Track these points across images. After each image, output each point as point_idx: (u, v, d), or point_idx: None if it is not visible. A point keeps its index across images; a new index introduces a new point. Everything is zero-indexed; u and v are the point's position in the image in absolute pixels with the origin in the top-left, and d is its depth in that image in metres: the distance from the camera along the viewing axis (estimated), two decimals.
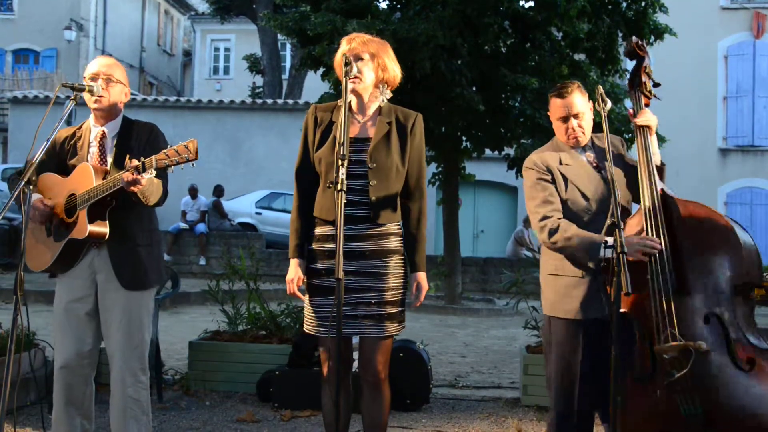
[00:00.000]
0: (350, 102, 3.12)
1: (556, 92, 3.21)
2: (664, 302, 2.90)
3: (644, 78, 3.32)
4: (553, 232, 3.05)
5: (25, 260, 3.30)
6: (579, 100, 3.18)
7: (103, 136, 3.28)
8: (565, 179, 3.15)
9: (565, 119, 3.18)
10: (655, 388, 2.90)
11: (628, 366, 2.96)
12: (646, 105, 3.31)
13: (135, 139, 3.26)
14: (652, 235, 2.98)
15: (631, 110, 3.28)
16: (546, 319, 3.26)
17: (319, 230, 3.10)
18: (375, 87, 3.13)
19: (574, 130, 3.18)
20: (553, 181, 3.16)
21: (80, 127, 3.35)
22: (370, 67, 3.09)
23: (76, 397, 3.24)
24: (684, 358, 2.82)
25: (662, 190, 3.09)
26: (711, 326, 2.90)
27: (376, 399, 3.11)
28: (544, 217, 3.09)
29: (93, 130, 3.30)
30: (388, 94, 3.19)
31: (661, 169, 3.22)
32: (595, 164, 3.20)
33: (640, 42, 3.39)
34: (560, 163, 3.17)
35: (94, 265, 3.21)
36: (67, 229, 3.16)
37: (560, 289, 3.15)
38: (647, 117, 3.23)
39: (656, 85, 3.36)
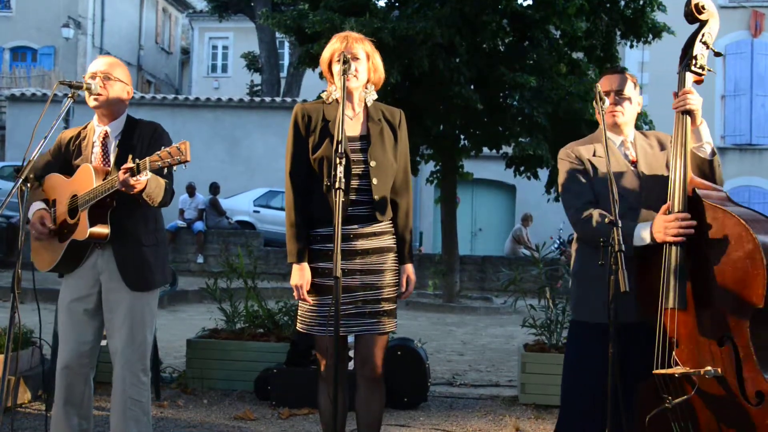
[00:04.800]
0: (337, 100, 3.11)
1: (607, 71, 3.13)
2: (672, 319, 2.69)
3: (697, 50, 2.87)
4: (585, 223, 2.95)
5: (31, 258, 3.31)
6: (625, 81, 3.05)
7: (106, 135, 3.27)
8: (595, 170, 3.02)
9: (607, 94, 3.03)
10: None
11: (649, 374, 2.84)
12: (698, 83, 2.92)
13: (138, 139, 3.25)
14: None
15: (674, 92, 2.90)
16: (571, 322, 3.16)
17: (321, 230, 3.09)
18: (363, 86, 3.14)
19: (612, 106, 3.01)
20: (587, 171, 3.04)
21: (85, 128, 3.34)
22: (365, 67, 3.10)
23: (75, 396, 3.24)
24: (690, 384, 2.65)
25: (693, 190, 2.77)
26: (724, 350, 2.63)
27: (373, 395, 3.11)
28: (578, 210, 2.99)
29: (96, 129, 3.29)
30: (374, 95, 3.19)
31: (711, 163, 2.88)
32: (633, 161, 3.05)
33: (701, 3, 2.85)
34: (593, 155, 3.04)
35: (98, 266, 3.21)
36: (70, 230, 3.16)
37: (583, 291, 3.06)
38: (686, 99, 2.84)
39: (717, 54, 2.91)
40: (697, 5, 2.85)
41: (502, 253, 16.33)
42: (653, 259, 2.84)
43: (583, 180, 3.04)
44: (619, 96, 3.05)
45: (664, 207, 2.81)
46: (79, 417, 3.26)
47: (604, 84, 3.08)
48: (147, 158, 2.87)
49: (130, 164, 2.89)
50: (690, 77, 2.89)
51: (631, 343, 2.85)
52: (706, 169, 2.91)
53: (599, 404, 2.90)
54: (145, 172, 2.87)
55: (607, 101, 2.98)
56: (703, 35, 2.88)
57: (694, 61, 2.88)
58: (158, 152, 2.86)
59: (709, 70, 2.91)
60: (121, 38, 27.59)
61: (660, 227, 2.75)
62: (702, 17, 2.87)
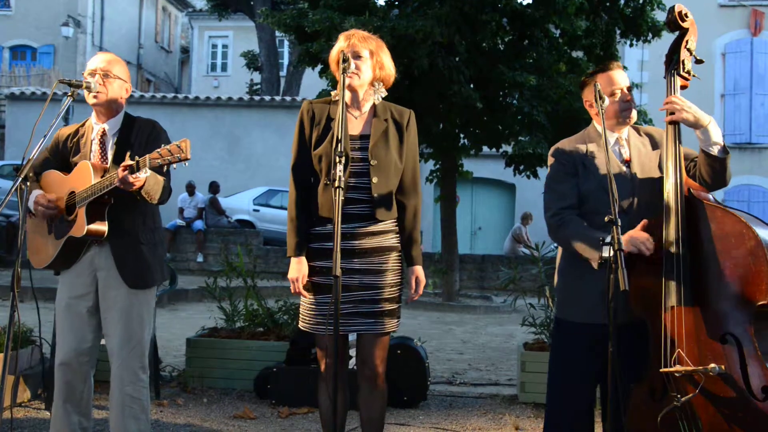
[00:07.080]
0: (345, 98, 3.11)
1: (600, 69, 3.06)
2: (675, 318, 2.70)
3: (683, 55, 2.93)
4: (558, 228, 2.95)
5: (28, 256, 3.31)
6: (626, 76, 3.04)
7: (104, 133, 3.26)
8: (585, 169, 2.98)
9: (615, 91, 3.00)
10: (662, 407, 2.73)
11: (642, 374, 2.85)
12: (684, 87, 2.96)
13: (136, 136, 3.25)
14: (668, 237, 2.74)
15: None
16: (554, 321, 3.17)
17: (319, 228, 3.09)
18: (370, 84, 3.13)
19: (628, 103, 2.97)
20: (576, 174, 3.00)
21: (83, 125, 3.34)
22: (369, 65, 3.09)
23: (75, 394, 3.24)
24: (692, 383, 2.66)
25: (689, 190, 2.80)
26: (728, 347, 2.65)
27: (374, 394, 3.12)
28: (555, 213, 2.97)
29: (94, 127, 3.28)
30: (383, 92, 3.18)
31: (723, 161, 2.83)
32: (626, 160, 3.02)
33: (684, 11, 2.93)
34: (586, 154, 3.00)
35: (95, 263, 3.21)
36: (67, 226, 3.16)
37: (569, 290, 3.06)
38: (674, 104, 2.83)
39: (699, 61, 2.98)
40: (680, 13, 2.93)
41: (502, 252, 16.33)
42: (645, 258, 2.85)
43: (569, 182, 3.00)
44: (630, 92, 3.02)
45: (642, 223, 2.83)
46: (79, 415, 3.26)
47: (615, 80, 3.02)
48: (147, 156, 2.87)
49: (129, 161, 2.89)
50: (678, 81, 2.95)
51: (618, 345, 2.85)
52: (717, 166, 2.86)
53: (585, 404, 2.92)
54: (144, 169, 2.87)
55: (607, 99, 2.95)
56: (687, 42, 2.95)
57: (682, 66, 2.94)
58: (158, 150, 2.85)
59: (694, 76, 2.97)
60: (121, 37, 27.56)
61: (627, 237, 2.76)
62: (685, 25, 2.95)
